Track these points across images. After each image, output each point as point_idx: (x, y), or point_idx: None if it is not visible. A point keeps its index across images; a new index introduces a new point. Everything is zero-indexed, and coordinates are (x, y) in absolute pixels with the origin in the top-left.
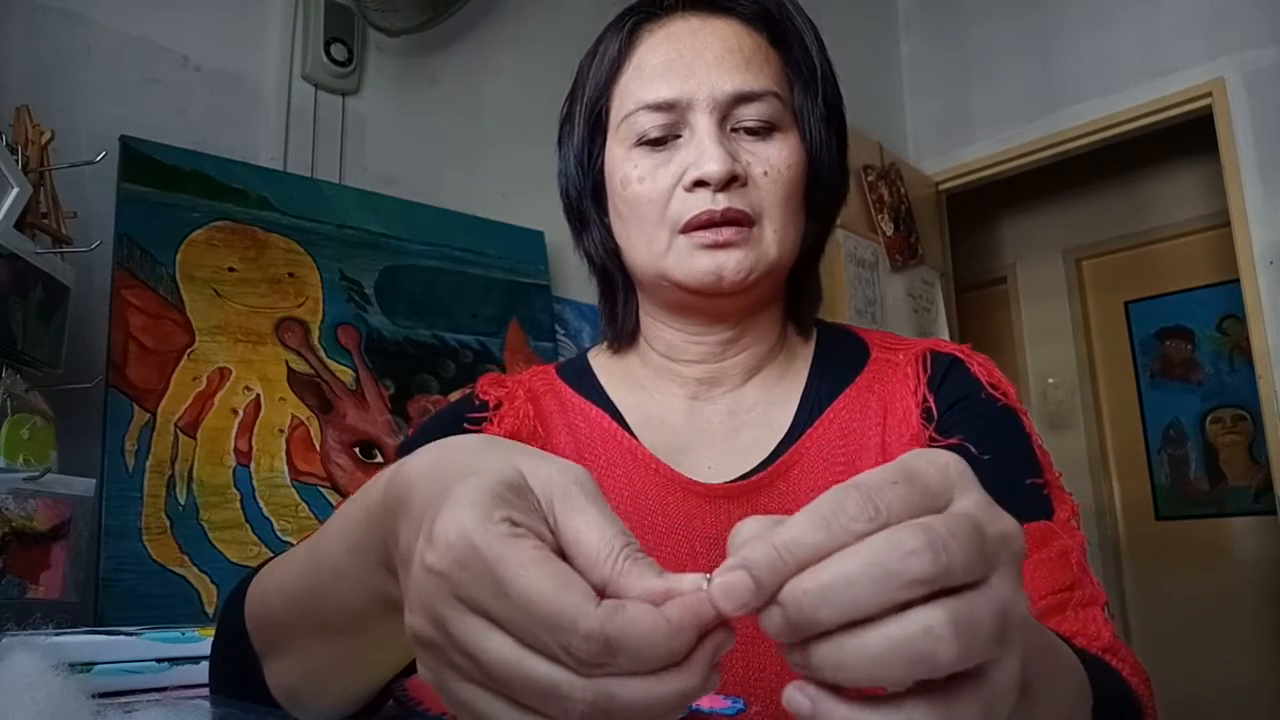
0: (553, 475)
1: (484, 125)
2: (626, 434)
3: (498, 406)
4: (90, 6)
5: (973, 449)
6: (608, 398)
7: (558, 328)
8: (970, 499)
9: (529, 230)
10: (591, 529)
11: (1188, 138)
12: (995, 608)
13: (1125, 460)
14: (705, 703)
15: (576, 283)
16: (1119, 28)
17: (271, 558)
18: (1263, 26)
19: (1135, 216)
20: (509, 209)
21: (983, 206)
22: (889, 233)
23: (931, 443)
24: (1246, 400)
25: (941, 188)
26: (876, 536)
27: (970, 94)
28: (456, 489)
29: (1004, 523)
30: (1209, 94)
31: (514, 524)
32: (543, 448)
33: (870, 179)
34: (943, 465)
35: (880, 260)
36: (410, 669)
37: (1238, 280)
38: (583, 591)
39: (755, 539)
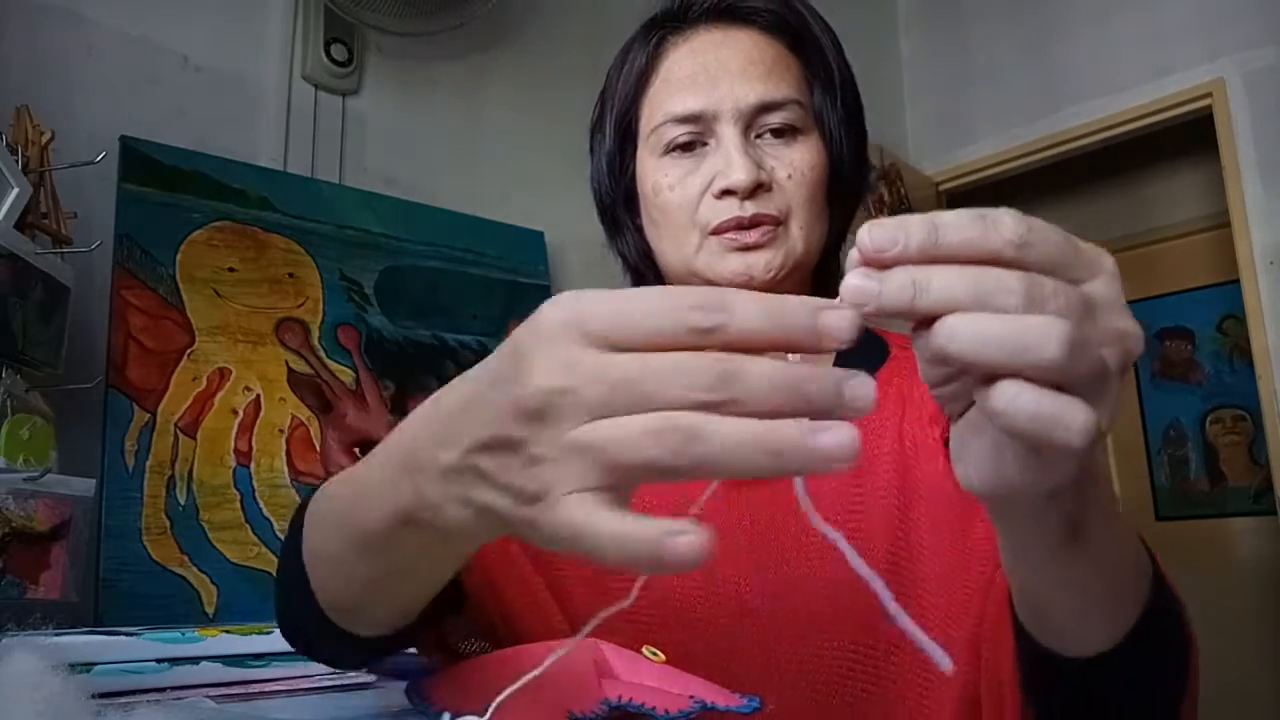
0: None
1: (484, 126)
2: None
3: None
4: (90, 6)
5: None
6: None
7: None
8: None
9: (529, 230)
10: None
11: (1188, 138)
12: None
13: (1125, 460)
14: (720, 700)
15: (576, 283)
16: (1119, 28)
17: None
18: (1263, 26)
19: (1135, 216)
20: (509, 209)
21: (982, 207)
22: None
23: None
24: (1246, 400)
25: (942, 188)
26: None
27: (971, 94)
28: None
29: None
30: (1209, 94)
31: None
32: None
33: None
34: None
35: None
36: (426, 649)
37: (1238, 280)
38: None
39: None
